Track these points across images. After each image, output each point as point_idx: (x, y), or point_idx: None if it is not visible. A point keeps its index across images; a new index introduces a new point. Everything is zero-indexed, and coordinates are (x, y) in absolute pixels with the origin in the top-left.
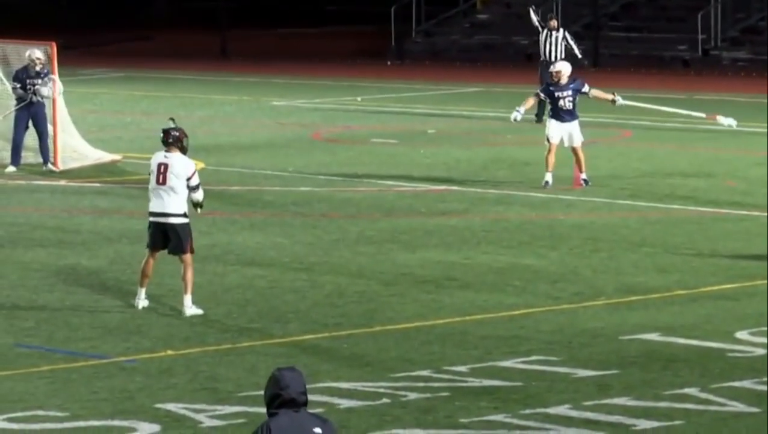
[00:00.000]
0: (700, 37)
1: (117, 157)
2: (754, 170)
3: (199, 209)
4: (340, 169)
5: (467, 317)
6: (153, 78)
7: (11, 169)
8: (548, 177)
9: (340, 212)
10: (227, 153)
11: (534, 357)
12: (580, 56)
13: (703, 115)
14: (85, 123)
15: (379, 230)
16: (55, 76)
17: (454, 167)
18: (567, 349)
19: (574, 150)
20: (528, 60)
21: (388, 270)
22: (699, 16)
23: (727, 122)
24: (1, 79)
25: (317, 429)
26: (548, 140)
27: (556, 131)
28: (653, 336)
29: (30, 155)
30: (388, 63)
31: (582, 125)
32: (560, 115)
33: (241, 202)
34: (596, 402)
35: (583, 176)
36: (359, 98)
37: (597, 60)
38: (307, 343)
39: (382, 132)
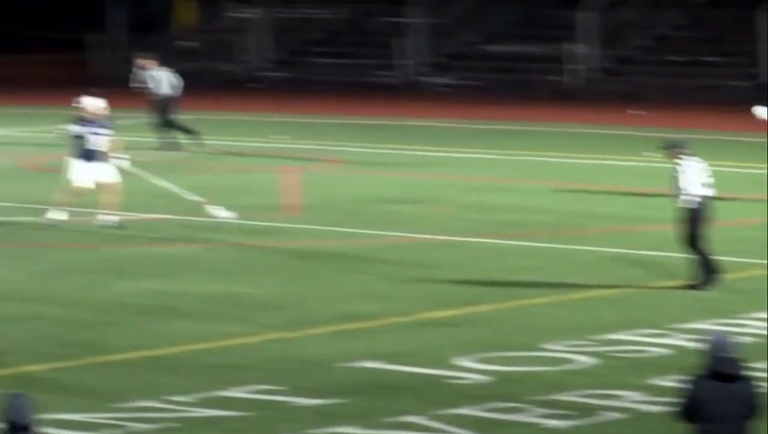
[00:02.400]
0: (406, 62)
1: None
2: (468, 196)
3: None
4: (50, 197)
5: (187, 347)
6: None
7: None
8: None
9: (54, 241)
10: None
11: (257, 386)
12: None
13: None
14: None
15: (94, 259)
16: None
17: (170, 195)
18: (288, 378)
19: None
20: None
21: (105, 300)
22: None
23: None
24: None
25: None
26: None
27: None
28: (373, 364)
29: None
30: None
31: (295, 151)
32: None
33: None
34: (321, 430)
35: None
36: None
37: (306, 86)
38: (29, 375)
39: None
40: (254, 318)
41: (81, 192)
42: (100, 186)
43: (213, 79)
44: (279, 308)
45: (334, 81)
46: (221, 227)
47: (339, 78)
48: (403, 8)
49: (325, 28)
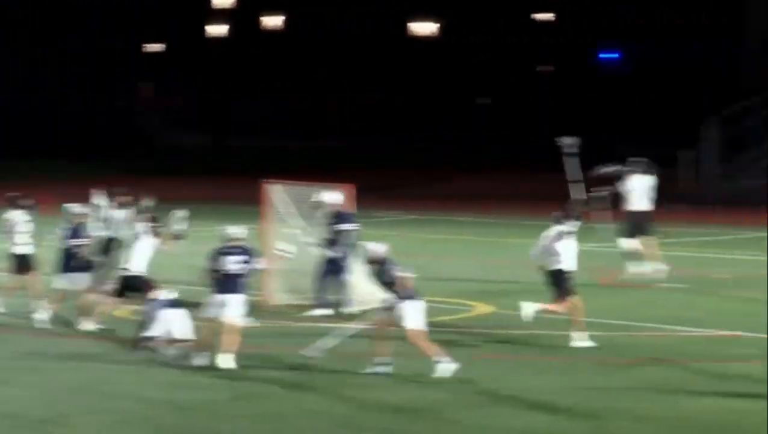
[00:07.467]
0: None
1: None
2: None
3: None
4: (626, 313)
5: None
6: (443, 220)
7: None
8: None
9: (626, 357)
10: (511, 297)
11: None
12: None
13: None
14: None
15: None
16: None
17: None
18: None
19: None
20: None
21: (671, 415)
22: None
23: None
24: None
25: None
26: None
27: None
28: None
29: None
30: None
31: None
32: None
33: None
34: None
35: None
36: None
37: None
38: None
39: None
40: None
41: None
42: None
43: None
44: None
45: None
46: None
47: None
48: None
49: None
